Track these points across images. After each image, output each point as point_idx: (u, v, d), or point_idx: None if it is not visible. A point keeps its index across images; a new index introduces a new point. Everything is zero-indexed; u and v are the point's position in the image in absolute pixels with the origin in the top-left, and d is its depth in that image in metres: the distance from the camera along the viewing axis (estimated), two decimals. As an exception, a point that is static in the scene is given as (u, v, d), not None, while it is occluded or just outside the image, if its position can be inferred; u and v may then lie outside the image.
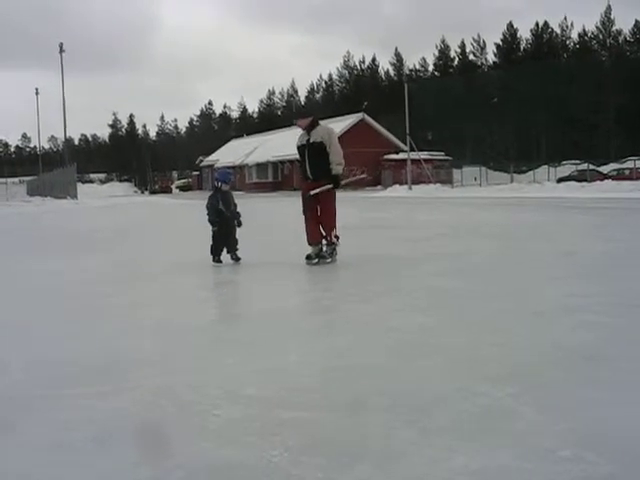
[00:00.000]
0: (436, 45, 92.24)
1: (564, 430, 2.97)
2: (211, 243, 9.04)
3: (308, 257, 8.66)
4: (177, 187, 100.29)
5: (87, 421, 3.27)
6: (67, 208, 36.82)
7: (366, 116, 65.10)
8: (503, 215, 18.88)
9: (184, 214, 26.85)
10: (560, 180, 49.30)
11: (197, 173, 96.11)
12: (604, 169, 50.58)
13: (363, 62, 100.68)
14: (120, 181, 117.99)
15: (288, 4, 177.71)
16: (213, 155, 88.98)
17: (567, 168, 53.70)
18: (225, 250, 9.07)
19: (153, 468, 2.74)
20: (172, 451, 2.90)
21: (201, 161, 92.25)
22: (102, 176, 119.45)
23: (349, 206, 28.63)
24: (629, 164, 48.34)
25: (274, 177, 70.37)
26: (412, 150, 51.76)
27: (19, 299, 7.13)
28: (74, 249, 12.83)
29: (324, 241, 8.86)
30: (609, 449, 2.76)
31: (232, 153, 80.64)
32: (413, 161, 52.12)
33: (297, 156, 8.99)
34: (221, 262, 8.99)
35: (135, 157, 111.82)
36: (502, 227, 14.24)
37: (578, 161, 52.55)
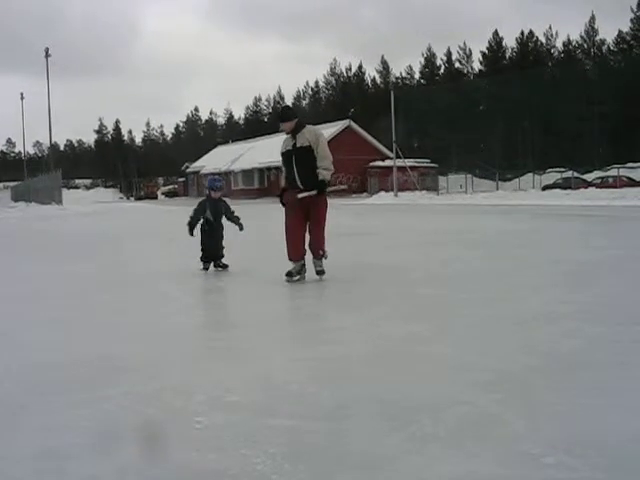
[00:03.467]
0: (422, 53, 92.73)
1: (549, 437, 2.98)
2: (201, 248, 8.98)
3: (289, 274, 7.86)
4: (163, 193, 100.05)
5: (72, 428, 3.26)
6: (52, 214, 36.63)
7: (352, 123, 65.21)
8: (488, 222, 18.96)
9: (169, 220, 26.75)
10: (545, 188, 49.55)
11: (183, 179, 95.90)
12: (588, 177, 50.88)
13: (350, 69, 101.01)
14: (106, 187, 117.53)
15: (271, 11, 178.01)
16: (199, 161, 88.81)
17: (552, 176, 53.97)
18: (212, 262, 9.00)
19: (138, 475, 2.73)
20: (156, 458, 2.89)
21: (187, 167, 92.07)
22: (88, 182, 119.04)
23: (334, 213, 28.63)
24: (613, 172, 48.68)
25: (260, 184, 70.30)
26: (398, 157, 51.87)
27: (2, 304, 7.09)
28: (58, 255, 12.78)
29: (310, 256, 8.05)
30: (593, 455, 2.77)
31: (218, 159, 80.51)
32: (399, 168, 52.23)
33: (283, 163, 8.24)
34: (207, 269, 8.92)
35: (121, 163, 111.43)
36: (487, 235, 14.30)
37: (563, 169, 52.85)
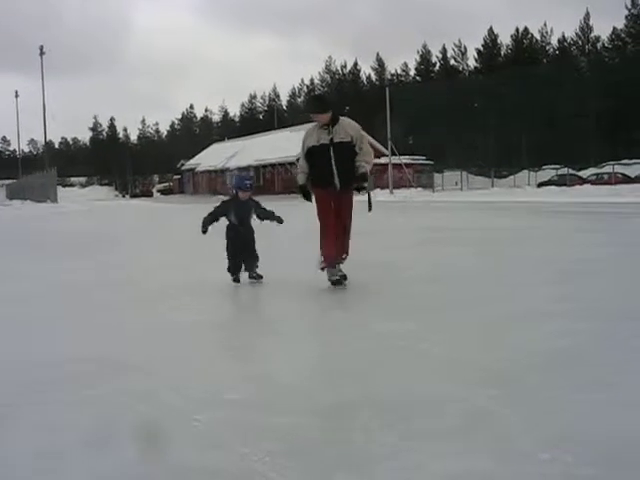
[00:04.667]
0: (417, 50, 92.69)
1: (544, 433, 3.01)
2: (227, 258, 7.67)
3: (335, 282, 7.10)
4: (158, 191, 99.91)
5: (69, 427, 3.27)
6: (47, 212, 36.55)
7: (348, 120, 65.15)
8: (483, 220, 18.96)
9: (166, 218, 26.75)
10: (540, 185, 49.63)
11: (178, 177, 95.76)
12: (583, 174, 50.97)
13: (345, 66, 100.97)
14: (101, 185, 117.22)
15: (265, 8, 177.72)
16: (194, 159, 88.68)
17: (547, 173, 54.03)
18: (243, 268, 7.69)
19: (135, 473, 2.74)
20: (154, 456, 2.90)
21: (182, 165, 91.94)
22: (83, 180, 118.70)
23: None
24: (608, 169, 48.77)
25: (256, 181, 70.22)
26: (393, 154, 51.86)
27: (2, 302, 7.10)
28: (54, 253, 12.76)
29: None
30: (588, 451, 2.79)
31: (214, 157, 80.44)
32: (394, 165, 52.20)
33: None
34: (239, 282, 7.65)
35: (116, 161, 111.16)
36: (482, 232, 14.31)
37: (558, 166, 52.93)
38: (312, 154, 7.20)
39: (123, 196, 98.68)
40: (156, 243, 14.76)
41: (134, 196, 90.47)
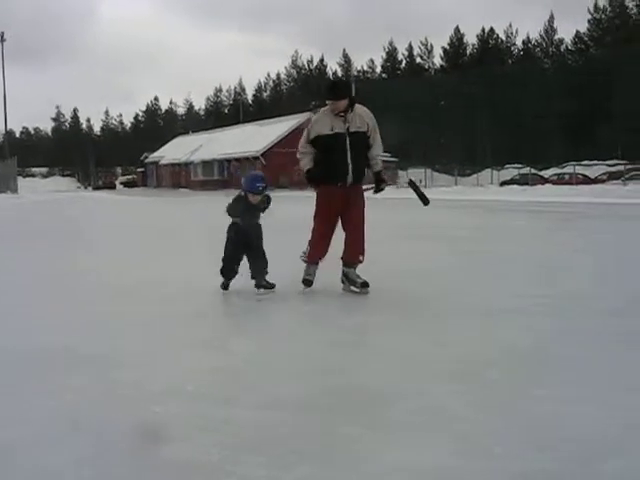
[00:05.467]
0: (384, 47, 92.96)
1: (502, 428, 3.04)
2: (222, 260, 6.59)
3: (307, 282, 6.60)
4: (121, 183, 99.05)
5: (25, 420, 3.22)
6: (7, 202, 36.01)
7: (314, 116, 65.15)
8: (446, 217, 19.08)
9: (126, 210, 26.52)
10: (503, 183, 50.11)
11: (142, 170, 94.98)
12: (545, 173, 51.60)
13: (311, 62, 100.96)
14: (63, 176, 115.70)
15: (232, 1, 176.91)
16: (158, 151, 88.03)
17: (510, 172, 54.59)
18: (250, 275, 6.53)
19: (92, 466, 2.71)
20: (112, 448, 2.87)
21: (146, 157, 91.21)
22: (44, 170, 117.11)
23: (293, 206, 28.59)
24: (569, 169, 49.41)
25: (220, 175, 69.84)
26: (358, 151, 51.93)
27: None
28: (17, 243, 12.58)
29: (344, 262, 6.67)
30: (545, 446, 2.83)
31: (178, 150, 79.91)
32: (359, 162, 52.29)
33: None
34: (227, 289, 6.61)
35: (78, 152, 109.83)
36: (445, 229, 14.40)
37: (520, 165, 53.52)
38: (323, 144, 6.42)
39: (85, 188, 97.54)
40: (117, 234, 14.61)
41: (96, 188, 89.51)
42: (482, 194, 36.41)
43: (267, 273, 6.48)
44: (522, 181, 47.13)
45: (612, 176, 44.95)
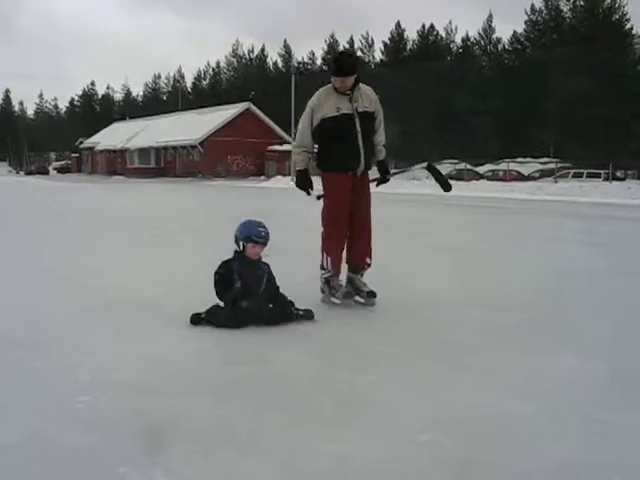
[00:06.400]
0: (325, 40, 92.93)
1: (425, 416, 3.13)
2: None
3: (349, 294, 5.57)
4: (55, 169, 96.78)
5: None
6: None
7: (252, 106, 64.79)
8: (381, 210, 19.23)
9: (54, 198, 25.98)
10: (438, 179, 50.56)
11: (76, 155, 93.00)
12: (480, 169, 52.39)
13: (252, 51, 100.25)
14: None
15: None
16: (94, 137, 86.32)
17: (445, 167, 55.20)
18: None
19: (17, 456, 2.69)
20: (37, 438, 2.84)
21: (81, 142, 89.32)
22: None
23: (229, 196, 28.51)
24: (503, 166, 50.30)
25: (157, 163, 68.96)
26: (297, 142, 51.97)
27: None
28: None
29: (350, 267, 5.79)
30: (466, 434, 2.93)
31: (114, 136, 78.49)
32: (298, 153, 52.32)
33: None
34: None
35: (10, 135, 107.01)
36: (380, 221, 14.51)
37: (456, 160, 54.19)
38: (330, 128, 5.51)
39: (17, 172, 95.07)
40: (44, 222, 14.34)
41: (29, 173, 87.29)
42: (418, 188, 36.77)
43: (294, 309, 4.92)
44: (458, 176, 47.75)
45: (544, 174, 45.94)
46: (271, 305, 4.75)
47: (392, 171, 6.17)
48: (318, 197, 5.75)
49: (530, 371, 3.87)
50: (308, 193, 5.72)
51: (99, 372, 3.69)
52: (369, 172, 5.77)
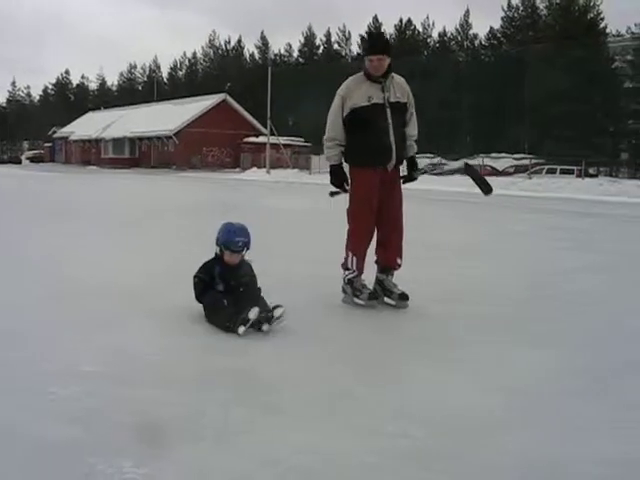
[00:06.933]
0: (302, 32, 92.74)
1: (393, 409, 3.17)
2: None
3: (373, 294, 5.28)
4: (28, 158, 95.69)
5: None
6: None
7: (228, 97, 64.53)
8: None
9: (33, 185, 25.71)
10: (414, 173, 50.70)
11: (50, 145, 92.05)
12: (455, 164, 52.64)
13: (229, 42, 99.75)
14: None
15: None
16: (68, 126, 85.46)
17: (421, 161, 54.97)
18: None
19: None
20: (7, 430, 2.83)
21: (54, 132, 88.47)
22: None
23: (202, 186, 28.38)
24: (478, 161, 50.61)
25: (131, 153, 68.49)
26: (272, 134, 51.86)
27: None
28: None
29: (380, 267, 5.45)
30: (431, 425, 2.98)
31: (88, 126, 77.78)
32: (273, 145, 52.24)
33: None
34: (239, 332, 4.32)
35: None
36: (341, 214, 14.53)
37: (431, 155, 54.41)
38: (360, 119, 5.16)
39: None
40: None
41: (1, 162, 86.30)
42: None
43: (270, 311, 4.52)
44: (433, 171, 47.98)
45: (518, 169, 46.28)
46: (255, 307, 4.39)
47: (421, 169, 5.82)
48: (332, 194, 5.50)
49: (504, 365, 3.92)
50: (345, 190, 5.30)
51: (71, 363, 3.67)
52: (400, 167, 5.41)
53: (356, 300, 5.27)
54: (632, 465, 2.69)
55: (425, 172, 5.99)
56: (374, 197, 5.20)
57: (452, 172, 45.63)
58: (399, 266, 5.38)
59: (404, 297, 5.22)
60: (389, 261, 5.37)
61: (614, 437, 2.93)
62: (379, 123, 5.13)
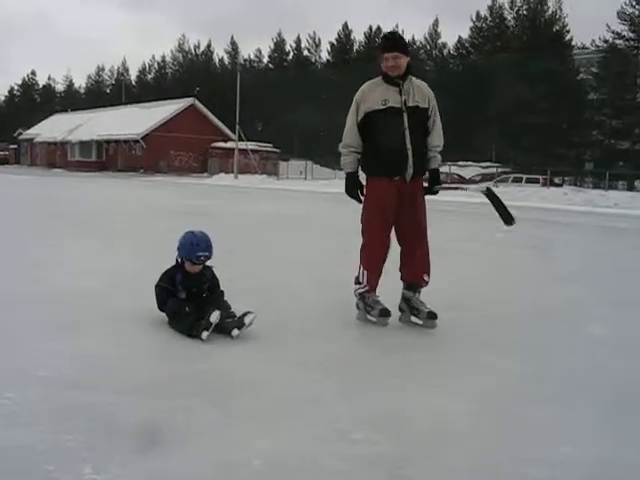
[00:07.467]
0: (272, 38, 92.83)
1: (361, 415, 3.14)
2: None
3: (385, 311, 4.89)
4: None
5: None
6: None
7: (197, 102, 64.27)
8: (319, 208, 19.31)
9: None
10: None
11: (15, 146, 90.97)
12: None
13: (198, 47, 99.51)
14: None
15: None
16: (34, 128, 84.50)
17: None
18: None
19: None
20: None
21: (20, 134, 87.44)
22: None
23: (169, 191, 28.21)
24: (445, 169, 51.02)
25: (98, 157, 67.83)
26: (241, 140, 51.81)
27: None
28: None
29: (406, 284, 5.07)
30: (400, 432, 2.95)
31: (55, 128, 76.92)
32: (241, 151, 52.18)
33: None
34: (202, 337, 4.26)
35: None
36: (311, 219, 14.57)
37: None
38: (375, 124, 4.86)
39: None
40: None
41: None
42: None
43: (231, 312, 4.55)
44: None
45: (485, 178, 46.77)
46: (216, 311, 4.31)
47: (444, 185, 5.17)
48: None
49: (464, 371, 3.92)
50: (359, 200, 4.98)
51: (27, 367, 3.58)
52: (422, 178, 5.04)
53: (368, 317, 4.99)
54: (596, 467, 2.70)
55: (447, 188, 5.70)
56: (388, 209, 4.86)
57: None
58: (426, 283, 5.01)
59: (432, 316, 4.85)
60: (415, 278, 5.01)
61: (581, 440, 2.93)
62: (395, 128, 4.79)
